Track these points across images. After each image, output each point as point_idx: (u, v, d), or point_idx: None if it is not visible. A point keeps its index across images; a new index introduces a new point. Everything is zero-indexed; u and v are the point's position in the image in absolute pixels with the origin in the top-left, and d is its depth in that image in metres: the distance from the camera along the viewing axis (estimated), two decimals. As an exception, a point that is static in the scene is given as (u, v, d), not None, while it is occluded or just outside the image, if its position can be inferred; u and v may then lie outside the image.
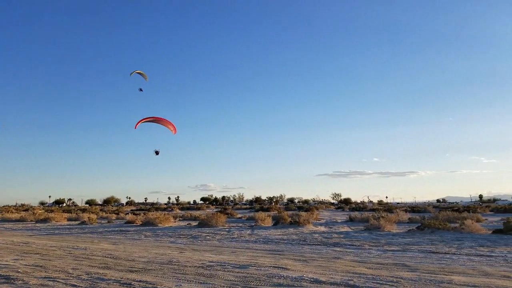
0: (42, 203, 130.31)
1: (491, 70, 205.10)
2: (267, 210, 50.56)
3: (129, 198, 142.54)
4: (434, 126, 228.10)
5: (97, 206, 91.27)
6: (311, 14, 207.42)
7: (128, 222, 26.31)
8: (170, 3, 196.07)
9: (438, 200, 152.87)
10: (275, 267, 8.24)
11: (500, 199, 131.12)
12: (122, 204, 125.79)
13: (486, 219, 27.16)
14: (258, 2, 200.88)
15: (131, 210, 63.17)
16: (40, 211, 45.78)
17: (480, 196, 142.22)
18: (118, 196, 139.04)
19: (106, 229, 22.28)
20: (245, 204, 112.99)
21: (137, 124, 22.39)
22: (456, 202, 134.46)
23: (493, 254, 10.14)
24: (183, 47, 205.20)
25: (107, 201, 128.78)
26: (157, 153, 23.17)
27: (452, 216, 23.96)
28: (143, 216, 28.27)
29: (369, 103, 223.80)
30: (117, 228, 22.42)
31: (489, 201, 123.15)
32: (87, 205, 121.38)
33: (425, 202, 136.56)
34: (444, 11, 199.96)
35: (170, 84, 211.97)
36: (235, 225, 23.26)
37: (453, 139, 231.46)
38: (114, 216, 36.53)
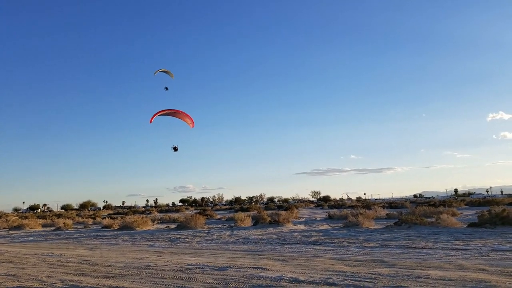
0: (16, 210, 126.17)
1: (462, 68, 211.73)
2: (247, 210, 50.51)
3: (106, 202, 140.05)
4: (408, 123, 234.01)
5: (73, 211, 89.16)
6: (283, 14, 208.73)
7: (105, 226, 25.71)
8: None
9: (415, 195, 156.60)
10: (254, 267, 8.16)
11: (474, 192, 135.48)
12: (99, 208, 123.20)
13: (461, 213, 27.92)
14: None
15: (108, 214, 61.82)
16: (13, 218, 44.18)
17: (455, 190, 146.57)
18: (95, 200, 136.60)
19: (82, 234, 21.70)
20: (224, 205, 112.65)
21: (152, 117, 21.05)
22: (432, 196, 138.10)
23: (468, 248, 10.37)
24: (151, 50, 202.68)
25: (83, 206, 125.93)
26: (175, 149, 21.89)
27: (428, 211, 24.52)
28: (121, 220, 27.66)
29: (344, 101, 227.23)
30: (93, 233, 21.87)
31: (464, 195, 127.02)
32: (63, 210, 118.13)
33: (402, 198, 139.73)
34: (418, 11, 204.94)
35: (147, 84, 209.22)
36: (214, 226, 23.06)
37: (427, 135, 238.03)
38: (90, 220, 35.68)
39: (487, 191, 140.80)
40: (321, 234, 15.81)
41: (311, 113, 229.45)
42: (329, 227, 19.30)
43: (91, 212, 73.25)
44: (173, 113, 21.95)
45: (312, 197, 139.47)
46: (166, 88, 22.34)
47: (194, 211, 53.41)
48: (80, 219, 38.95)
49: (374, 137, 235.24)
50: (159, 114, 21.30)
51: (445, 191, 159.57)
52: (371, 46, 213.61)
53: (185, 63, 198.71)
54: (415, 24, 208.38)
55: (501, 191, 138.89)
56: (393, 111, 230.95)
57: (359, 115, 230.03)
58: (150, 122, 21.17)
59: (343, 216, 24.27)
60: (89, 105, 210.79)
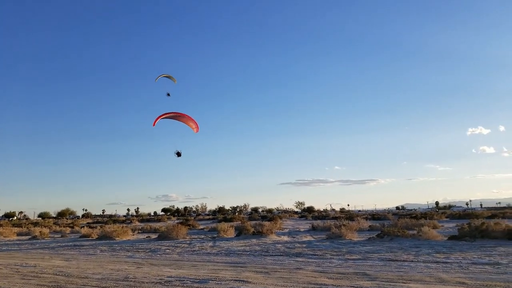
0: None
1: (444, 84, 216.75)
2: (230, 220, 50.04)
3: (86, 210, 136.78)
4: (391, 135, 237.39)
5: (51, 219, 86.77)
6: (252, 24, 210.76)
7: (84, 236, 25.08)
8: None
9: (397, 207, 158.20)
10: (236, 280, 8.00)
11: (455, 205, 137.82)
12: (78, 217, 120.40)
13: (442, 226, 28.27)
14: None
15: (87, 223, 60.57)
16: (-14, 226, 42.74)
17: (437, 203, 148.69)
18: (74, 208, 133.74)
19: (59, 244, 21.07)
20: (208, 215, 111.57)
21: (156, 120, 20.30)
22: (414, 209, 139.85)
23: (448, 261, 10.43)
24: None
25: (61, 214, 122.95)
26: (179, 154, 21.29)
27: (410, 223, 24.73)
28: (100, 229, 27.04)
29: (329, 113, 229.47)
30: (71, 243, 21.27)
31: (445, 207, 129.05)
32: (40, 218, 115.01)
33: (385, 210, 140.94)
34: (406, 28, 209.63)
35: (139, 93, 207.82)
36: (196, 237, 22.73)
37: (409, 148, 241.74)
38: (68, 229, 34.78)
39: (467, 204, 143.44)
40: (304, 245, 15.72)
41: (296, 124, 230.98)
42: (313, 239, 19.24)
43: (69, 221, 71.45)
44: (177, 116, 21.36)
45: (296, 207, 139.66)
46: (168, 94, 21.90)
47: (176, 221, 52.70)
48: (58, 228, 37.90)
49: (358, 149, 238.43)
50: (163, 117, 20.72)
51: (426, 203, 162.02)
52: (358, 59, 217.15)
53: (170, 69, 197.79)
54: (399, 39, 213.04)
55: (481, 204, 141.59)
56: (377, 123, 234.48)
57: (343, 127, 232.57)
58: (154, 125, 20.54)
59: (327, 227, 24.28)
60: (68, 112, 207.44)
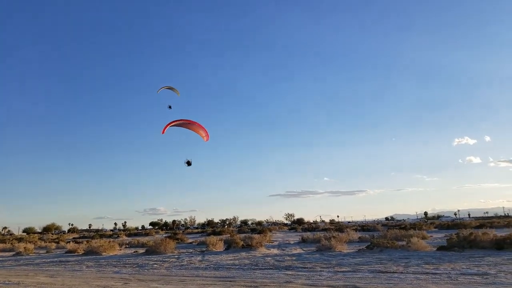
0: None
1: (430, 95, 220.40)
2: (220, 233, 49.53)
3: (72, 225, 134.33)
4: (379, 147, 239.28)
5: (36, 235, 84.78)
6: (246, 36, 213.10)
7: (69, 251, 24.51)
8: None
9: (386, 218, 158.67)
10: (224, 295, 7.86)
11: (443, 215, 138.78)
12: (64, 232, 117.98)
13: (431, 236, 28.37)
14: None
15: (73, 238, 59.34)
16: (-31, 242, 41.54)
17: (425, 213, 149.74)
18: (60, 223, 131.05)
19: (44, 260, 20.55)
20: (197, 228, 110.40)
21: (165, 128, 20.00)
22: (403, 219, 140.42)
23: (438, 272, 10.43)
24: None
25: (47, 229, 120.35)
26: (189, 163, 20.91)
27: (399, 234, 24.76)
28: (86, 244, 26.50)
29: (317, 125, 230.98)
30: (56, 259, 20.76)
31: (433, 218, 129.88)
32: (25, 233, 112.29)
33: (374, 220, 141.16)
34: (383, 39, 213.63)
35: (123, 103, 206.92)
36: (185, 251, 22.41)
37: (397, 158, 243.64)
38: (54, 245, 33.97)
39: (455, 214, 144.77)
40: (294, 258, 15.59)
41: (286, 135, 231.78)
42: (302, 251, 19.12)
43: (55, 236, 69.90)
44: (186, 124, 20.92)
45: (286, 219, 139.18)
46: (170, 107, 21.57)
47: (164, 235, 51.97)
48: (43, 244, 37.00)
49: (347, 160, 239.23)
50: (172, 124, 20.27)
51: (415, 213, 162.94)
52: (346, 72, 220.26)
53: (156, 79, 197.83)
54: (386, 54, 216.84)
55: (469, 214, 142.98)
56: (365, 135, 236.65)
57: (332, 139, 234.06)
58: (163, 132, 20.11)
59: (316, 239, 24.16)
60: (51, 122, 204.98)
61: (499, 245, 15.09)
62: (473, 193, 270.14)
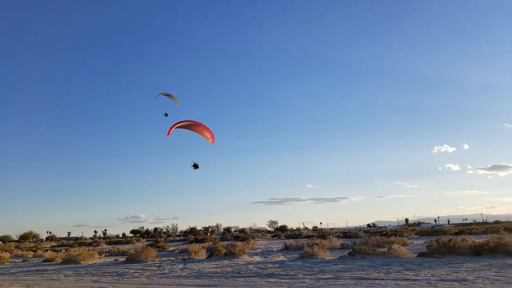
0: None
1: (410, 103, 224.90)
2: (202, 241, 49.13)
3: (50, 233, 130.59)
4: (362, 154, 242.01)
5: (12, 243, 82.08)
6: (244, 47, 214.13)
7: (47, 260, 23.91)
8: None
9: (368, 225, 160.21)
10: (205, 304, 7.75)
11: (424, 222, 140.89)
12: (42, 240, 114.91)
13: (412, 243, 28.72)
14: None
15: (52, 246, 57.77)
16: None
17: (406, 220, 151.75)
18: (37, 231, 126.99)
19: (20, 269, 19.95)
20: (179, 236, 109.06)
21: (170, 129, 19.46)
22: (385, 226, 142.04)
23: (418, 278, 10.55)
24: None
25: (24, 237, 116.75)
26: (196, 166, 20.39)
27: (381, 240, 25.00)
28: (65, 252, 25.84)
29: (300, 132, 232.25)
30: (33, 268, 20.18)
31: (414, 224, 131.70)
32: (0, 242, 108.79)
33: (356, 227, 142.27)
34: (375, 51, 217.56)
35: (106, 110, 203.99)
36: (166, 259, 22.08)
37: (379, 165, 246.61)
38: (31, 253, 33.05)
39: (435, 220, 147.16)
40: (276, 266, 15.54)
41: (269, 142, 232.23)
42: (285, 258, 19.08)
43: (32, 244, 67.83)
44: (191, 125, 20.49)
45: (269, 226, 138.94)
46: (166, 114, 21.16)
47: (145, 243, 51.15)
48: (19, 252, 35.92)
49: (330, 167, 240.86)
50: (177, 126, 19.85)
51: (396, 220, 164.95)
52: (328, 80, 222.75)
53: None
54: (368, 62, 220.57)
55: (448, 221, 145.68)
56: (347, 142, 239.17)
57: (315, 146, 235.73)
58: (168, 134, 19.56)
59: (299, 246, 24.18)
60: (30, 129, 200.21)
61: (477, 251, 15.40)
62: (452, 200, 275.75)
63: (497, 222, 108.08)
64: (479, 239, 19.42)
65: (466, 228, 55.56)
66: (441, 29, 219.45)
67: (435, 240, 18.60)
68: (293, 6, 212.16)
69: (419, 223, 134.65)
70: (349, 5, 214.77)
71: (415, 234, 47.21)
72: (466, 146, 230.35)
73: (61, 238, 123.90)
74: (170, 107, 21.41)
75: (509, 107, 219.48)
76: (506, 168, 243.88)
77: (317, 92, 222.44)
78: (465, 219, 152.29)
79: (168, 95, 21.40)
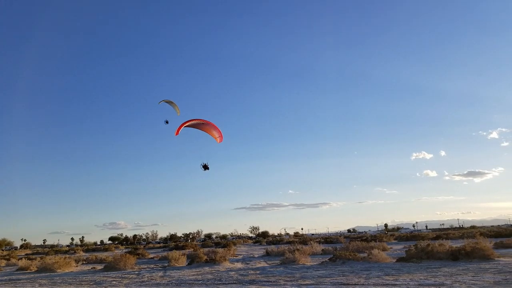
0: None
1: (389, 110, 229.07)
2: (183, 248, 48.50)
3: (25, 240, 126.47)
4: (342, 160, 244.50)
5: (-15, 252, 79.41)
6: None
7: (21, 268, 23.13)
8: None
9: (349, 230, 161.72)
10: (185, 312, 7.62)
11: (402, 227, 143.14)
12: (16, 248, 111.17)
13: (391, 248, 29.13)
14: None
15: (26, 254, 56.09)
16: None
17: (386, 225, 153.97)
18: (11, 239, 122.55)
19: (-9, 279, 19.20)
20: (159, 243, 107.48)
21: (179, 128, 19.09)
22: (365, 231, 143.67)
23: (397, 283, 10.67)
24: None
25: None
26: (205, 167, 20.07)
27: (361, 245, 25.27)
28: (40, 261, 25.08)
29: (282, 138, 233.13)
30: (6, 277, 19.48)
31: (393, 229, 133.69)
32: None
33: (337, 233, 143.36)
34: (345, 55, 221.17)
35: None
36: (146, 266, 21.69)
37: (359, 171, 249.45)
38: (3, 262, 31.87)
39: (413, 226, 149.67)
40: (258, 272, 15.46)
41: (250, 148, 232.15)
42: (266, 265, 19.03)
43: (5, 252, 65.69)
44: (200, 124, 20.22)
45: (251, 232, 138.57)
46: (166, 122, 20.89)
47: (124, 250, 50.21)
48: (-8, 261, 34.64)
49: (311, 173, 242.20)
50: (186, 125, 19.53)
51: (376, 225, 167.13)
52: (309, 87, 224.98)
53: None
54: (348, 71, 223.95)
55: (426, 226, 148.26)
56: (328, 148, 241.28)
57: (296, 152, 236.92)
58: (176, 133, 19.20)
59: (281, 252, 24.17)
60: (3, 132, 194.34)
61: (455, 256, 15.72)
62: (430, 206, 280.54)
63: (473, 227, 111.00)
64: (456, 244, 19.86)
65: (443, 233, 56.73)
66: (418, 39, 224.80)
67: (413, 245, 18.89)
68: (285, 20, 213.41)
69: (398, 228, 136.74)
70: (330, 19, 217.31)
71: (394, 239, 47.87)
72: (443, 153, 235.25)
73: (36, 246, 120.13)
74: (170, 114, 21.36)
75: (484, 115, 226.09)
76: (481, 174, 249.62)
77: (298, 100, 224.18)
78: (442, 224, 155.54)
79: (170, 102, 21.25)
